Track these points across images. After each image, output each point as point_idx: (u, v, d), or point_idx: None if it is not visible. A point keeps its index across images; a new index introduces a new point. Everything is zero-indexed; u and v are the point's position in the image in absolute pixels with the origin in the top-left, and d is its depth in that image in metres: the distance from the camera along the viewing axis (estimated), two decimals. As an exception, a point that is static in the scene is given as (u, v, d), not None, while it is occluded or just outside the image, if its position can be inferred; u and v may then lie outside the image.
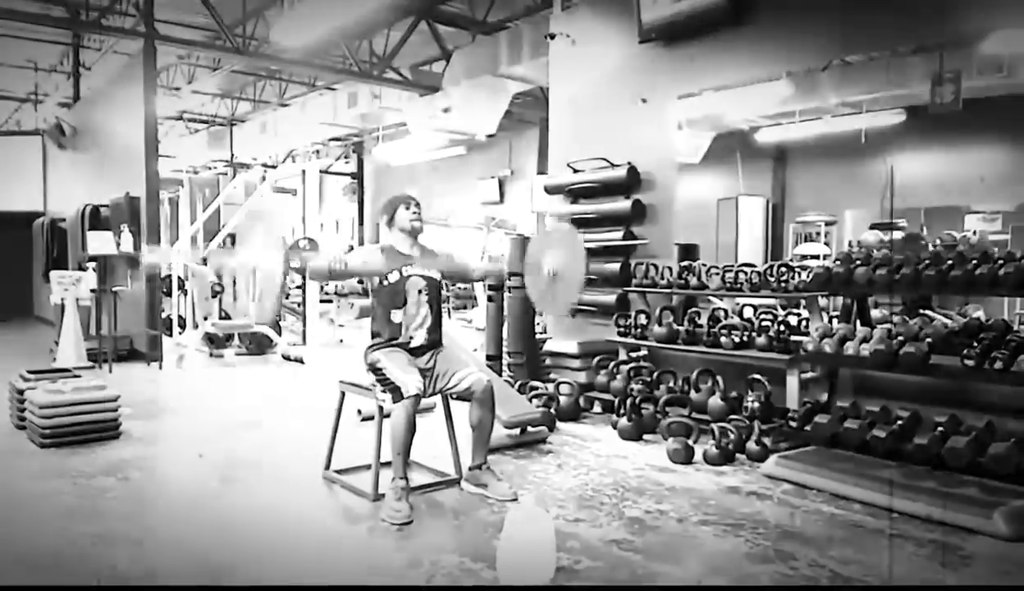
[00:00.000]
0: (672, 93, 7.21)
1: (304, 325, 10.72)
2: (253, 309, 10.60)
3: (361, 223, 22.04)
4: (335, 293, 14.52)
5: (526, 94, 13.33)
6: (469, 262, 4.95)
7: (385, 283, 4.45)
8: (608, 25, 7.77)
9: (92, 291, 9.56)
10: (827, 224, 13.28)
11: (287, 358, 10.07)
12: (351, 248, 16.48)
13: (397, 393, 4.20)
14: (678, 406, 6.05)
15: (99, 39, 13.42)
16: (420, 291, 4.48)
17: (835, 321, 6.04)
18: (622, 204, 7.41)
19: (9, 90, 17.49)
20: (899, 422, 4.64)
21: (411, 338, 4.45)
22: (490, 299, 7.31)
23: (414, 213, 4.54)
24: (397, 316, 4.43)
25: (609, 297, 7.44)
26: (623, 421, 5.88)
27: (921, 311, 6.80)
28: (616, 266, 7.36)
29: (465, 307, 16.24)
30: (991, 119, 9.45)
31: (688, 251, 7.65)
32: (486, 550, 3.53)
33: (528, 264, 4.87)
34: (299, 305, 11.25)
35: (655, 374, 6.55)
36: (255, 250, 10.93)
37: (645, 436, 5.84)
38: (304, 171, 11.05)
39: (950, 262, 4.76)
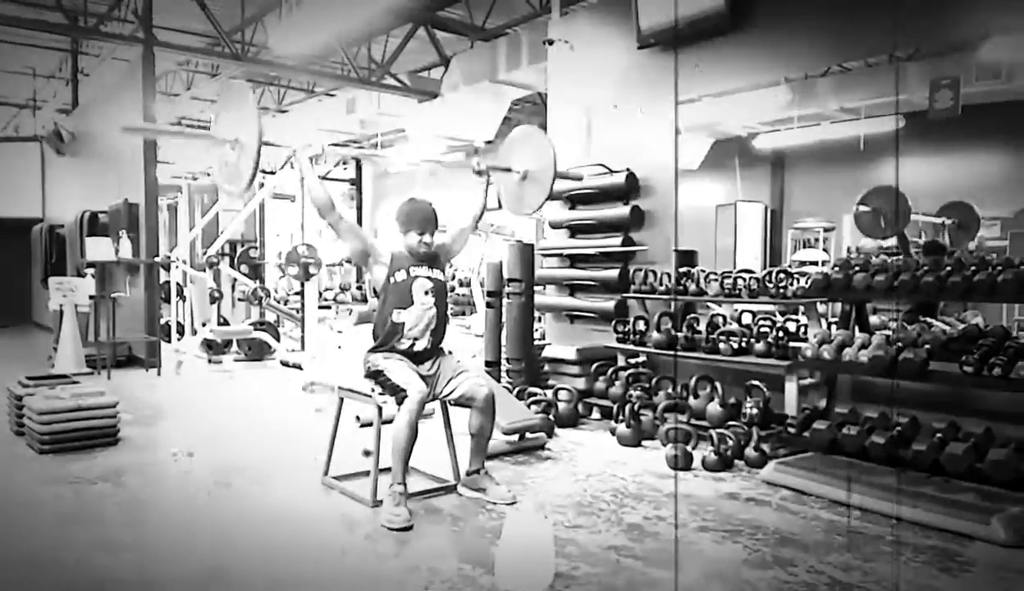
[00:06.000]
0: (671, 98, 7.21)
1: (303, 331, 10.72)
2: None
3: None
4: (334, 300, 14.53)
5: (525, 100, 13.35)
6: (461, 229, 4.87)
7: (392, 281, 4.44)
8: (607, 31, 7.77)
9: (91, 297, 9.56)
10: (826, 230, 13.29)
11: (285, 364, 10.07)
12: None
13: (401, 394, 4.20)
14: (677, 412, 6.04)
15: (98, 45, 13.45)
16: (427, 292, 4.46)
17: (834, 327, 6.05)
18: (621, 210, 7.42)
19: (7, 96, 17.51)
20: (898, 428, 4.64)
21: (414, 342, 4.45)
22: (489, 305, 7.31)
23: (424, 245, 4.47)
24: (400, 316, 4.41)
25: (608, 303, 7.44)
26: (622, 427, 5.88)
27: (923, 318, 6.79)
28: (615, 272, 7.36)
29: (464, 313, 16.23)
30: (990, 125, 9.48)
31: (687, 257, 7.66)
32: (485, 556, 3.53)
33: (499, 165, 4.89)
34: (298, 311, 11.24)
35: (654, 380, 6.55)
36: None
37: (644, 442, 5.84)
38: (303, 177, 11.04)
39: (948, 268, 4.76)
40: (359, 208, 22.12)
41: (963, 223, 9.11)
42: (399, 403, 4.20)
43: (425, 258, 4.52)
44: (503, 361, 7.22)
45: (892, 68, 6.85)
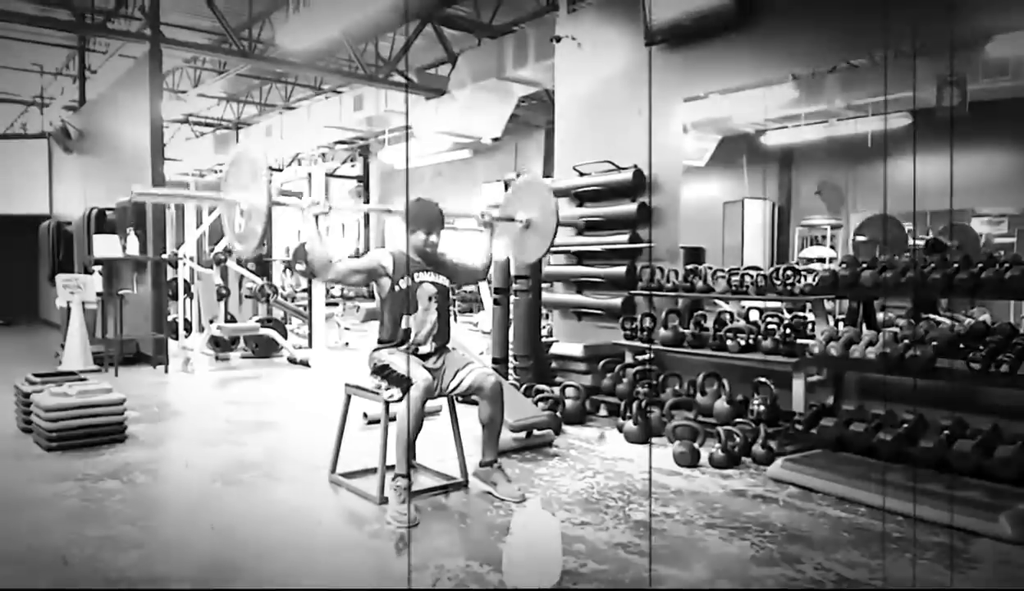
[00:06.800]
0: (678, 95, 7.21)
1: (310, 328, 10.73)
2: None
3: (367, 226, 22.07)
4: (341, 296, 14.54)
5: (532, 97, 13.35)
6: (473, 262, 4.93)
7: (396, 289, 4.46)
8: (614, 28, 7.77)
9: (98, 294, 9.58)
10: (833, 227, 13.25)
11: (293, 361, 10.08)
12: (357, 252, 16.50)
13: (405, 383, 4.21)
14: (684, 409, 6.04)
15: (105, 42, 13.47)
16: (430, 298, 4.50)
17: (841, 324, 6.04)
18: (628, 207, 7.41)
19: (15, 93, 17.55)
20: (905, 425, 4.64)
21: (418, 346, 4.47)
22: (496, 302, 7.31)
23: (432, 245, 4.53)
24: (404, 323, 4.45)
25: (615, 300, 7.44)
26: (629, 424, 5.88)
27: (925, 315, 6.78)
28: (622, 269, 7.36)
29: (471, 310, 16.25)
30: (997, 122, 9.43)
31: (694, 254, 7.65)
32: (492, 553, 3.53)
33: (503, 215, 4.94)
34: (305, 308, 11.26)
35: (661, 377, 6.55)
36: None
37: (651, 439, 5.83)
38: (310, 174, 11.06)
39: (956, 265, 4.75)
40: (366, 215, 22.16)
41: (964, 245, 9.16)
42: (404, 393, 4.21)
43: (431, 262, 4.55)
44: (510, 358, 7.22)
45: (898, 65, 6.82)
